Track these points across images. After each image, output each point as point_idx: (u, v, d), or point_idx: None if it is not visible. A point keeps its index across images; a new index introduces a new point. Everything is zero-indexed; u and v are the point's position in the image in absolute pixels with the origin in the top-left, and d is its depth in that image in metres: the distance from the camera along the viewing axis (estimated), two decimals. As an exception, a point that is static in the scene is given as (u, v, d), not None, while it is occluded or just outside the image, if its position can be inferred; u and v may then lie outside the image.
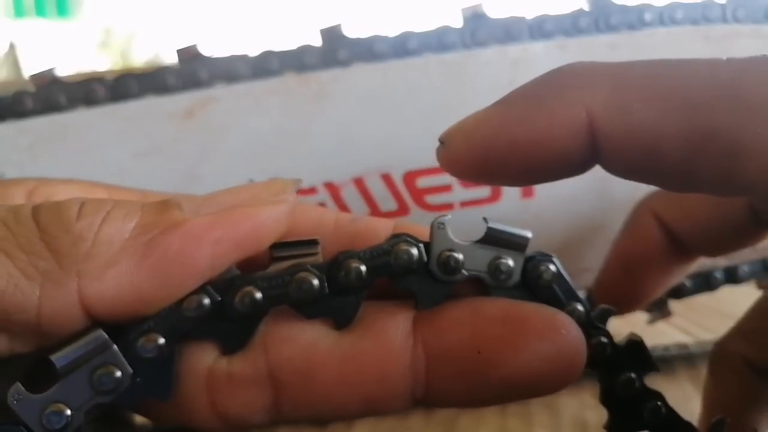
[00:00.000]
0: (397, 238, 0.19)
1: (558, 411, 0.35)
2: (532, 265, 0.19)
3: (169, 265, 0.17)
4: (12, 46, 1.10)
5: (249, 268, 0.19)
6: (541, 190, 0.33)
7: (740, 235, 0.28)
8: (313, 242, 0.19)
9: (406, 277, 0.19)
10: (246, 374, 0.19)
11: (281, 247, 0.19)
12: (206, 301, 0.18)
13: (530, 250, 0.20)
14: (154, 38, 1.39)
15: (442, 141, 0.18)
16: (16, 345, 0.17)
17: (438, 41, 0.33)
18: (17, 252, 0.17)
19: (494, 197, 0.34)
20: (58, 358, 0.17)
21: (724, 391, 0.28)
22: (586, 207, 0.33)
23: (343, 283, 0.19)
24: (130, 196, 0.21)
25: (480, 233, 0.19)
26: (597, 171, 0.20)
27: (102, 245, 0.17)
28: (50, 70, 0.32)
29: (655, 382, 0.21)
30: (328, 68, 0.33)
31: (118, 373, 0.17)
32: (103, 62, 1.39)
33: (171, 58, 0.32)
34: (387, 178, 0.33)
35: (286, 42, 0.33)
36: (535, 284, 0.19)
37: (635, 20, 0.34)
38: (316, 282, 0.18)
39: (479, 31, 0.33)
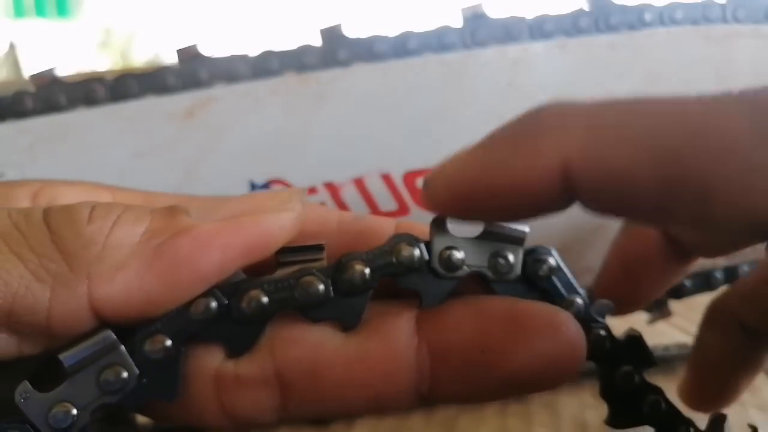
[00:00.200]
0: (399, 237, 0.19)
1: (558, 411, 0.35)
2: (533, 258, 0.20)
3: (178, 269, 0.17)
4: (12, 46, 1.10)
5: (255, 272, 0.19)
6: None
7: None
8: (318, 247, 0.19)
9: (409, 276, 0.19)
10: (254, 375, 0.19)
11: (287, 252, 0.19)
12: (213, 304, 0.18)
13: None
14: (154, 38, 1.39)
15: (426, 183, 0.19)
16: (24, 346, 0.17)
17: (438, 41, 0.33)
18: (28, 254, 0.17)
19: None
20: (66, 357, 0.17)
21: (713, 348, 0.29)
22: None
23: (347, 285, 0.19)
24: (134, 197, 0.22)
25: (479, 229, 0.20)
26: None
27: (112, 248, 0.17)
28: (50, 70, 0.32)
29: (654, 381, 0.21)
30: (328, 68, 0.33)
31: (125, 374, 0.18)
32: (103, 62, 1.39)
33: (171, 58, 0.32)
34: (387, 178, 0.33)
35: (286, 42, 0.33)
36: (535, 277, 0.20)
37: (635, 20, 0.34)
38: (321, 285, 0.19)
39: (479, 31, 0.33)
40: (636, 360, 0.21)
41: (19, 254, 0.17)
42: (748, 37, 0.35)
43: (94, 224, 0.17)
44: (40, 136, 0.31)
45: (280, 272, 0.19)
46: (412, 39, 0.33)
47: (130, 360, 0.18)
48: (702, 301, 0.30)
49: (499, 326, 0.19)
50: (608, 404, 0.21)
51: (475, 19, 0.33)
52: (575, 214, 0.19)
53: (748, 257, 0.35)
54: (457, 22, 0.33)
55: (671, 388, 0.28)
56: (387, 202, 0.34)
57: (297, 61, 0.32)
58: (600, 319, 0.20)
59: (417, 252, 0.19)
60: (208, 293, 0.18)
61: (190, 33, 1.30)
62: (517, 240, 0.19)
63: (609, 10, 0.34)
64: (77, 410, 0.17)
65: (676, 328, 0.40)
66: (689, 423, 0.21)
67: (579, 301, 0.20)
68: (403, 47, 0.33)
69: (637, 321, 0.35)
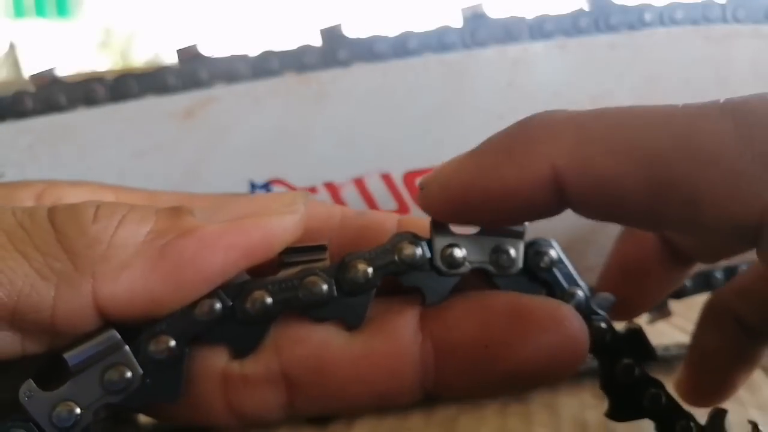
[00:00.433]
0: (401, 236, 0.19)
1: (558, 411, 0.35)
2: (534, 250, 0.20)
3: (183, 270, 0.17)
4: (12, 46, 1.10)
5: (258, 273, 0.19)
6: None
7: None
8: (321, 248, 0.20)
9: (411, 274, 0.19)
10: (260, 375, 0.19)
11: (290, 253, 0.19)
12: (218, 305, 0.18)
13: None
14: (154, 38, 1.39)
15: (422, 186, 0.20)
16: (28, 345, 0.18)
17: (438, 41, 0.33)
18: (33, 253, 0.17)
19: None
20: (71, 356, 0.17)
21: (710, 343, 0.29)
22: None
23: (351, 284, 0.19)
24: (138, 197, 0.22)
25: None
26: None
27: (117, 248, 0.17)
28: (50, 70, 0.32)
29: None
30: (328, 68, 0.33)
31: (129, 374, 0.18)
32: (103, 62, 1.39)
33: (171, 58, 0.32)
34: (387, 178, 0.33)
35: (286, 42, 0.33)
36: (537, 269, 0.20)
37: (635, 20, 0.34)
38: (324, 285, 0.19)
39: (479, 31, 0.33)
40: (636, 353, 0.21)
41: (24, 253, 0.17)
42: (748, 37, 0.35)
43: (99, 223, 0.18)
44: (40, 136, 0.31)
45: (284, 273, 0.19)
46: (412, 39, 0.33)
47: (134, 360, 0.18)
48: (702, 301, 0.30)
49: (502, 321, 0.19)
50: (608, 397, 0.21)
51: (475, 19, 0.33)
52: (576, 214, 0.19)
53: (747, 257, 0.35)
54: (457, 22, 0.33)
55: (671, 387, 0.28)
56: (387, 202, 0.34)
57: (297, 61, 0.32)
58: (601, 312, 0.20)
59: (419, 250, 0.19)
60: (213, 294, 0.18)
61: (190, 33, 1.30)
62: (518, 234, 0.20)
63: (609, 10, 0.34)
64: (80, 409, 0.17)
65: (676, 328, 0.40)
66: (689, 417, 0.21)
67: (580, 293, 0.20)
68: (403, 47, 0.33)
69: (637, 321, 0.35)
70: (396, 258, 0.19)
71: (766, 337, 0.29)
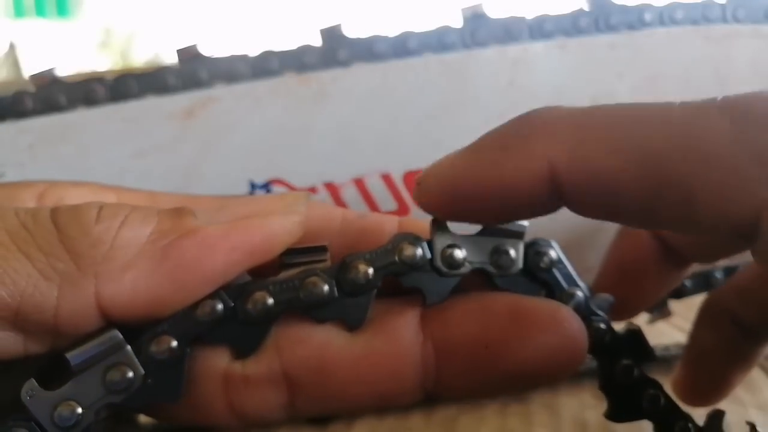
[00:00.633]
0: (401, 237, 0.20)
1: (558, 411, 0.35)
2: (533, 250, 0.20)
3: (185, 270, 0.18)
4: (12, 46, 1.10)
5: (259, 273, 0.19)
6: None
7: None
8: (322, 249, 0.20)
9: (412, 274, 0.19)
10: (261, 375, 0.19)
11: (291, 254, 0.19)
12: (219, 306, 0.18)
13: None
14: (154, 38, 1.39)
15: (418, 182, 0.20)
16: (30, 345, 0.18)
17: (438, 41, 0.33)
18: (36, 253, 0.17)
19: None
20: (73, 356, 0.17)
21: (707, 343, 0.29)
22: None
23: (351, 285, 0.19)
24: (139, 198, 0.22)
25: (478, 226, 0.20)
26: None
27: (120, 248, 0.17)
28: (50, 70, 0.32)
29: (654, 380, 0.21)
30: (328, 68, 0.33)
31: (131, 374, 0.18)
32: (103, 62, 1.39)
33: (171, 58, 0.32)
34: (387, 178, 0.33)
35: (286, 42, 0.33)
36: (537, 269, 0.20)
37: (635, 20, 0.34)
38: (325, 286, 0.19)
39: (479, 31, 0.33)
40: (635, 354, 0.21)
41: (27, 253, 0.17)
42: (748, 37, 0.35)
43: (102, 224, 0.18)
44: (40, 136, 0.31)
45: (285, 273, 0.19)
46: (412, 39, 0.33)
47: (136, 360, 0.18)
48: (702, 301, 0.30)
49: (502, 322, 0.19)
50: (607, 398, 0.21)
51: (475, 19, 0.33)
52: (576, 214, 0.19)
53: (747, 258, 0.35)
54: (457, 22, 0.33)
55: (670, 387, 0.28)
56: (387, 202, 0.34)
57: (297, 61, 0.32)
58: (600, 313, 0.21)
59: (419, 251, 0.19)
60: (214, 295, 0.18)
61: (190, 33, 1.30)
62: (518, 234, 0.20)
63: (609, 10, 0.34)
64: (82, 409, 0.17)
65: (676, 328, 0.40)
66: (688, 418, 0.21)
67: (579, 294, 0.20)
68: (403, 47, 0.33)
69: (637, 321, 0.35)
70: (396, 259, 0.19)
71: (763, 337, 0.29)
